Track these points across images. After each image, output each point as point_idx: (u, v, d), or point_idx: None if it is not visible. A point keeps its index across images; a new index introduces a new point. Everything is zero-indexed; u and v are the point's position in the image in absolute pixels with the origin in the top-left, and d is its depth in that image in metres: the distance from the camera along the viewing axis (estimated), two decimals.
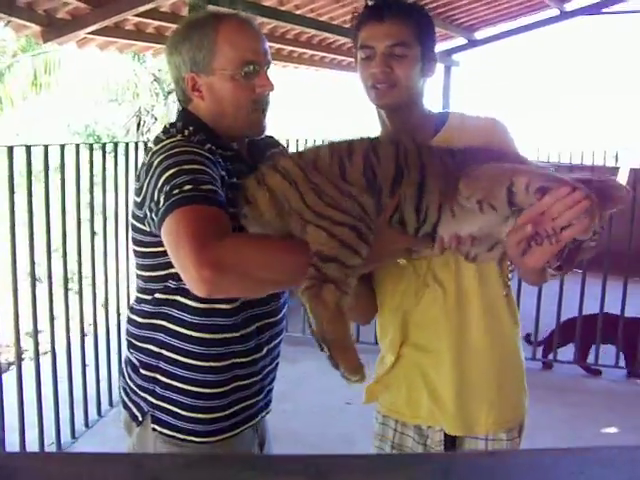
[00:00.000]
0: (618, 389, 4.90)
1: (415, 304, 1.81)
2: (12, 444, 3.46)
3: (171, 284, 1.63)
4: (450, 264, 1.76)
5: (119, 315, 4.37)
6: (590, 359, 5.17)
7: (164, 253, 1.50)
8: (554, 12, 8.69)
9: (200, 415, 1.68)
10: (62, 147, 3.73)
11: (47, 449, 3.63)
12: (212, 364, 1.66)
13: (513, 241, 1.45)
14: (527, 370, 1.95)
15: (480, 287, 1.79)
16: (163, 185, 1.48)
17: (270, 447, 1.92)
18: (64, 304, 3.85)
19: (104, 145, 4.27)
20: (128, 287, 4.42)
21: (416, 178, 1.53)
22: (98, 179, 4.14)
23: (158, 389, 1.69)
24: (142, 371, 1.71)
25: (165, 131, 1.68)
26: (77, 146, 3.95)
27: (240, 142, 1.76)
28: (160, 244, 1.51)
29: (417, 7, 1.80)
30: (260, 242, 1.50)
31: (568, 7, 8.56)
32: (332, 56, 8.37)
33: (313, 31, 7.05)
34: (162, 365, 1.68)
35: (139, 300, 1.73)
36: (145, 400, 1.71)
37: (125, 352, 1.80)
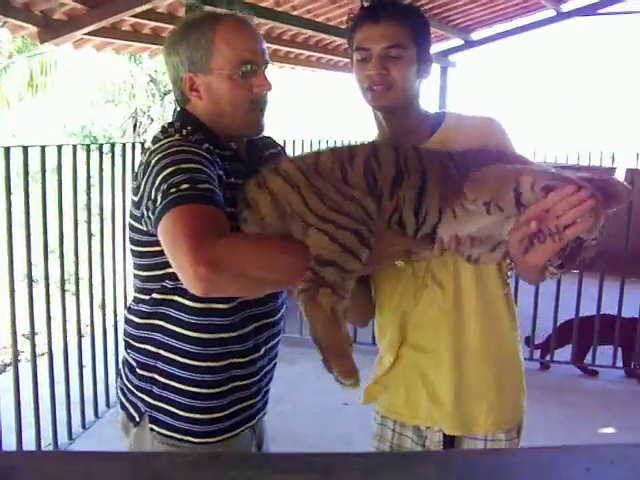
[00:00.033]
0: (615, 389, 4.90)
1: (414, 305, 1.82)
2: (9, 445, 3.45)
3: (168, 284, 1.63)
4: (449, 265, 1.76)
5: (116, 316, 4.37)
6: (587, 359, 5.17)
7: (161, 252, 1.50)
8: (550, 13, 8.71)
9: (198, 415, 1.68)
10: (59, 148, 3.73)
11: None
12: (210, 364, 1.66)
13: (516, 238, 1.45)
14: (524, 370, 1.95)
15: (479, 287, 1.79)
16: (160, 184, 1.48)
17: (268, 448, 1.92)
18: (61, 305, 3.84)
19: (101, 146, 4.26)
20: (125, 288, 4.42)
21: (416, 182, 1.53)
22: (95, 180, 4.14)
23: (155, 389, 1.69)
24: (139, 371, 1.71)
25: (163, 130, 1.68)
26: (74, 147, 3.95)
27: (238, 142, 1.76)
28: (157, 243, 1.50)
29: (412, 8, 1.80)
30: (258, 241, 1.50)
31: (564, 8, 8.57)
32: (329, 57, 8.37)
33: (310, 32, 7.06)
34: (160, 365, 1.68)
35: (137, 300, 1.73)
36: (142, 400, 1.71)
37: (122, 353, 1.80)
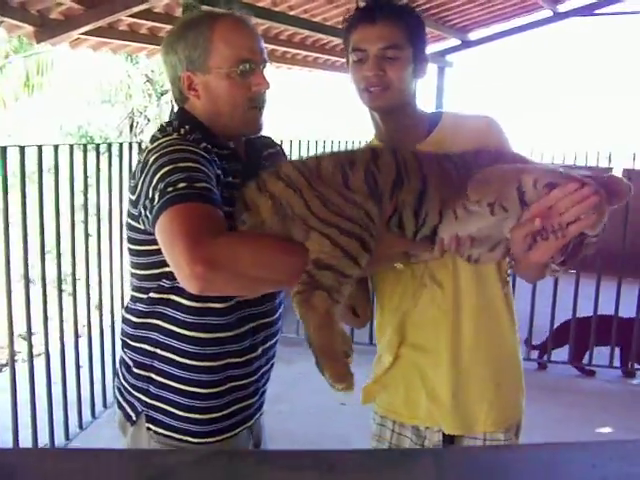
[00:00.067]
0: (612, 389, 4.91)
1: (413, 305, 1.82)
2: (5, 444, 3.45)
3: (165, 283, 1.63)
4: (448, 264, 1.76)
5: (113, 316, 4.36)
6: (584, 359, 5.18)
7: (159, 251, 1.50)
8: (547, 13, 8.72)
9: (197, 415, 1.67)
10: (56, 148, 3.72)
11: None
12: (207, 364, 1.66)
13: (519, 236, 1.46)
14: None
15: (478, 287, 1.80)
16: (158, 183, 1.48)
17: (266, 448, 1.92)
18: (58, 306, 3.83)
19: (98, 146, 4.25)
20: (122, 288, 4.41)
21: (416, 185, 1.53)
22: (92, 180, 4.13)
23: (152, 388, 1.68)
24: (136, 370, 1.71)
25: (161, 129, 1.68)
26: (71, 147, 3.94)
27: (237, 141, 1.75)
28: (155, 242, 1.50)
29: (408, 9, 1.79)
30: (255, 241, 1.49)
31: (561, 8, 8.58)
32: (325, 57, 8.37)
33: (307, 32, 7.05)
34: (156, 364, 1.67)
35: (134, 299, 1.72)
36: (139, 400, 1.70)
37: (120, 352, 1.79)
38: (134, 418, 1.71)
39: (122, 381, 1.76)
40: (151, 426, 1.69)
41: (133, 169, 1.68)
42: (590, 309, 5.11)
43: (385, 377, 1.91)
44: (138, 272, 1.69)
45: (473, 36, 9.45)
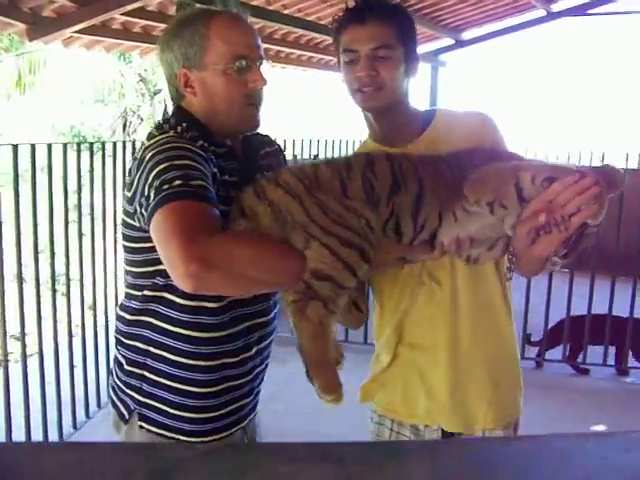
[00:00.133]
0: (606, 388, 4.93)
1: (412, 303, 1.81)
2: None
3: (159, 281, 1.62)
4: (445, 263, 1.76)
5: (107, 316, 4.35)
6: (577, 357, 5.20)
7: (153, 249, 1.49)
8: (540, 13, 8.75)
9: (191, 414, 1.67)
10: (49, 146, 3.70)
11: None
12: (201, 363, 1.65)
13: (523, 232, 1.46)
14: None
15: (476, 284, 1.80)
16: (153, 180, 1.47)
17: None
18: (52, 306, 3.82)
19: (91, 145, 4.23)
20: (116, 288, 4.40)
21: (413, 190, 1.53)
22: (86, 180, 4.11)
23: (145, 386, 1.68)
24: (128, 368, 1.70)
25: (158, 127, 1.67)
26: (64, 145, 3.92)
27: (234, 139, 1.75)
28: (150, 240, 1.49)
29: (397, 8, 1.79)
30: (251, 241, 1.48)
31: (554, 8, 8.61)
32: (320, 56, 8.37)
33: (301, 31, 7.06)
34: (149, 362, 1.67)
35: (128, 296, 1.72)
36: (132, 398, 1.70)
37: (114, 350, 1.78)
38: (127, 416, 1.71)
39: (115, 379, 1.75)
40: (144, 424, 1.68)
41: (127, 168, 1.67)
42: (584, 308, 5.13)
43: (383, 376, 1.91)
44: (132, 269, 1.69)
45: (466, 36, 9.48)
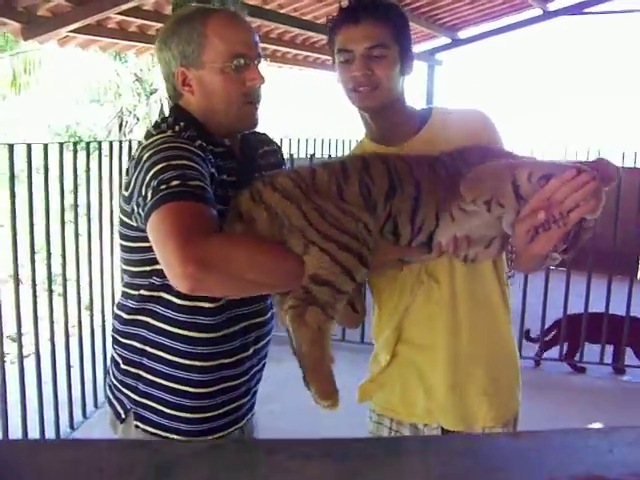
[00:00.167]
0: (603, 386, 4.93)
1: (411, 302, 1.81)
2: None
3: (156, 280, 1.61)
4: (444, 260, 1.76)
5: (104, 316, 4.34)
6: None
7: (150, 249, 1.48)
8: (537, 12, 8.76)
9: (187, 414, 1.66)
10: (45, 146, 3.69)
11: None
12: (197, 363, 1.65)
13: (522, 230, 1.46)
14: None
15: (474, 282, 1.80)
16: (151, 180, 1.46)
17: None
18: (48, 306, 3.81)
19: (88, 144, 4.23)
20: (113, 288, 4.39)
21: (410, 192, 1.53)
22: (82, 180, 4.10)
23: (141, 386, 1.67)
24: (125, 367, 1.70)
25: (156, 126, 1.66)
26: (60, 145, 3.91)
27: (232, 138, 1.74)
28: (147, 239, 1.48)
29: (392, 7, 1.78)
30: (248, 243, 1.47)
31: (551, 7, 8.62)
32: (316, 55, 8.37)
33: (297, 30, 7.06)
34: (145, 362, 1.67)
35: (125, 295, 1.71)
36: (128, 397, 1.70)
37: (110, 349, 1.78)
38: (123, 415, 1.71)
39: (112, 378, 1.75)
40: (139, 424, 1.68)
41: (124, 168, 1.66)
42: (581, 306, 5.13)
43: (382, 376, 1.91)
44: (130, 269, 1.68)
45: (463, 34, 9.49)
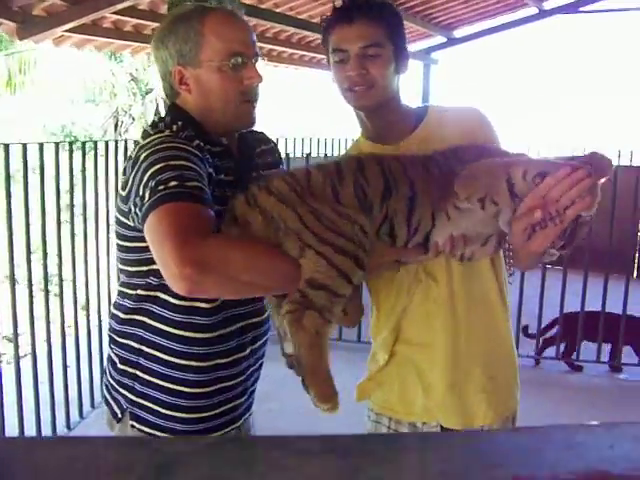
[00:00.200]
0: (600, 384, 4.94)
1: (409, 301, 1.81)
2: None
3: (153, 280, 1.61)
4: (441, 259, 1.76)
5: (100, 316, 4.34)
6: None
7: (147, 248, 1.47)
8: (532, 11, 8.77)
9: (183, 414, 1.66)
10: (41, 146, 3.68)
11: None
12: (193, 363, 1.64)
13: (519, 229, 1.46)
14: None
15: (472, 279, 1.80)
16: (148, 180, 1.45)
17: None
18: (44, 306, 3.80)
19: (84, 144, 4.21)
20: (109, 288, 4.38)
21: (405, 192, 1.52)
22: (78, 179, 4.10)
23: (137, 386, 1.67)
24: (121, 367, 1.69)
25: (153, 125, 1.65)
26: (56, 145, 3.91)
27: (230, 137, 1.73)
28: (144, 239, 1.47)
29: (385, 5, 1.78)
30: (246, 245, 1.47)
31: (546, 6, 8.63)
32: (311, 54, 8.36)
33: (292, 29, 7.05)
34: (142, 362, 1.66)
35: (122, 295, 1.71)
36: (124, 397, 1.69)
37: (107, 348, 1.78)
38: (119, 415, 1.70)
39: (109, 377, 1.75)
40: (135, 424, 1.68)
41: (119, 168, 1.66)
42: (577, 305, 5.14)
43: (380, 375, 1.91)
44: (126, 268, 1.68)
45: (458, 33, 9.49)
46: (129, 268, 1.67)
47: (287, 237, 1.45)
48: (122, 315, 1.69)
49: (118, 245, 1.68)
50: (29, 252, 3.61)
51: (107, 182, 4.26)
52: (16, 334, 3.54)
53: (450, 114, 1.84)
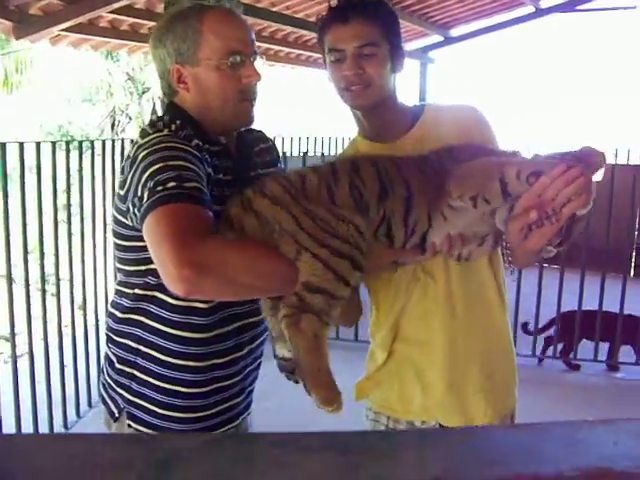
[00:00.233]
0: (597, 383, 4.95)
1: (407, 299, 1.81)
2: None
3: (151, 280, 1.60)
4: (438, 256, 1.75)
5: (97, 316, 4.33)
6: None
7: (145, 248, 1.46)
8: (529, 9, 8.77)
9: (179, 414, 1.66)
10: (38, 145, 3.67)
11: None
12: (190, 363, 1.64)
13: (516, 229, 1.46)
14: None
15: (470, 277, 1.80)
16: (147, 181, 1.44)
17: None
18: (41, 306, 3.80)
19: (80, 143, 4.21)
20: (106, 288, 4.38)
21: (401, 193, 1.52)
22: (75, 179, 4.09)
23: (134, 385, 1.67)
24: (119, 366, 1.69)
25: (152, 124, 1.64)
26: (53, 144, 3.90)
27: (228, 136, 1.73)
28: (142, 239, 1.46)
29: (381, 4, 1.78)
30: (244, 246, 1.46)
31: (543, 4, 8.64)
32: (308, 53, 8.36)
33: (289, 28, 7.05)
34: (139, 361, 1.66)
35: (119, 294, 1.70)
36: (121, 396, 1.69)
37: (104, 348, 1.77)
38: (117, 414, 1.70)
39: (106, 376, 1.74)
40: (132, 423, 1.67)
41: (116, 167, 1.65)
42: (574, 304, 5.14)
43: (378, 374, 1.91)
44: (124, 268, 1.67)
45: (455, 32, 9.49)
46: (127, 267, 1.66)
47: (282, 239, 1.44)
48: (119, 314, 1.68)
49: (116, 244, 1.68)
50: (26, 252, 3.60)
51: (104, 181, 4.25)
52: (13, 333, 3.53)
53: (447, 112, 1.84)
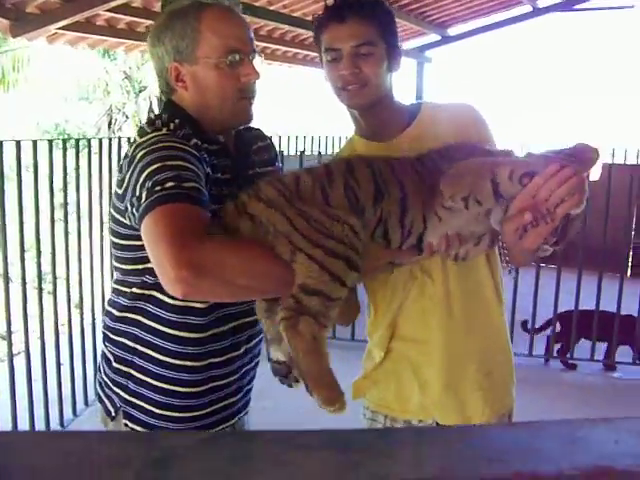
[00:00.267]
0: (594, 383, 4.95)
1: (405, 298, 1.81)
2: None
3: (148, 279, 1.59)
4: (435, 256, 1.75)
5: (94, 314, 4.33)
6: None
7: (143, 247, 1.46)
8: (527, 9, 8.77)
9: (175, 414, 1.66)
10: (34, 143, 3.66)
11: None
12: (187, 363, 1.64)
13: (511, 229, 1.46)
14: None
15: (467, 275, 1.80)
16: (145, 180, 1.44)
17: None
18: (38, 304, 3.79)
19: (77, 142, 4.19)
20: (103, 286, 4.37)
21: (396, 194, 1.52)
22: (72, 177, 4.08)
23: (131, 385, 1.66)
24: (116, 365, 1.68)
25: (150, 123, 1.62)
26: (50, 142, 3.89)
27: (226, 134, 1.72)
28: (140, 237, 1.46)
29: (377, 3, 1.78)
30: (242, 248, 1.45)
31: (540, 4, 8.64)
32: (305, 52, 8.35)
33: (286, 27, 7.04)
34: (137, 361, 1.65)
35: (117, 292, 1.69)
36: (118, 395, 1.69)
37: (101, 346, 1.77)
38: (113, 413, 1.70)
39: (103, 375, 1.74)
40: (128, 422, 1.67)
41: (113, 166, 1.64)
42: (571, 304, 5.14)
43: (376, 373, 1.90)
44: (122, 266, 1.66)
45: (452, 32, 9.49)
46: (124, 266, 1.65)
47: (277, 241, 1.43)
48: (116, 313, 1.68)
49: (113, 243, 1.67)
50: (23, 250, 3.59)
51: (101, 180, 4.24)
52: (9, 332, 3.53)
53: (443, 111, 1.83)
